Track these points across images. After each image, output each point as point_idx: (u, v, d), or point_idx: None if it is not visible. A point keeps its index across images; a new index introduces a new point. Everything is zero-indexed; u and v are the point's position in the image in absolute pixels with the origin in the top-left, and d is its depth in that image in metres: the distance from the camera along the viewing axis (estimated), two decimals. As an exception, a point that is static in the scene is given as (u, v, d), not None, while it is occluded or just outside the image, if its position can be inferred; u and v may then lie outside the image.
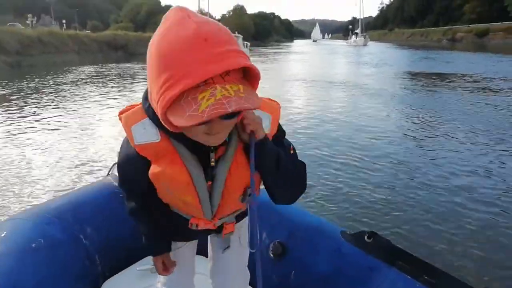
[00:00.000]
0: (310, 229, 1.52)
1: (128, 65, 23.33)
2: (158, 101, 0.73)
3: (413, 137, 6.19)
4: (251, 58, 0.81)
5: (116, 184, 1.66)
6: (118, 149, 1.01)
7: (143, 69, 20.00)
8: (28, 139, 6.23)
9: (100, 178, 1.93)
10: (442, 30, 76.19)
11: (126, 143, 0.95)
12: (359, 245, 1.44)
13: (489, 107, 8.44)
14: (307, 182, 1.05)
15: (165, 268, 1.17)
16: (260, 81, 0.79)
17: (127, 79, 15.32)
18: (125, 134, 0.94)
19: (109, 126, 7.04)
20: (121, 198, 1.58)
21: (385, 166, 4.81)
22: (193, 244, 1.28)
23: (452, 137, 6.13)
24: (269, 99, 1.01)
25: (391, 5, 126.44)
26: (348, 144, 5.73)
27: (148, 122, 0.89)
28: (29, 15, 38.13)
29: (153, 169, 0.92)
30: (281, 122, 1.01)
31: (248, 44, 21.40)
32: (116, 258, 1.68)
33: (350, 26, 74.15)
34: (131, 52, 34.44)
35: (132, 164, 0.95)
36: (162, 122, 0.78)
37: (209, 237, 1.27)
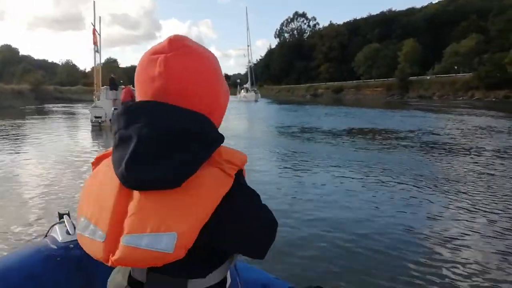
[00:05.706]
0: (259, 286, 1.50)
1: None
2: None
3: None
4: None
5: (54, 246, 1.45)
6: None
7: (11, 126, 17.27)
8: None
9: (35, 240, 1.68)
10: (305, 86, 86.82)
11: None
12: None
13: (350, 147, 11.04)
14: None
15: None
16: None
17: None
18: None
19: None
20: (56, 263, 1.42)
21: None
22: None
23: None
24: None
25: (258, 64, 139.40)
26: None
27: None
28: None
29: None
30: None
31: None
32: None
33: (238, 80, 70.73)
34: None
35: None
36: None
37: None
